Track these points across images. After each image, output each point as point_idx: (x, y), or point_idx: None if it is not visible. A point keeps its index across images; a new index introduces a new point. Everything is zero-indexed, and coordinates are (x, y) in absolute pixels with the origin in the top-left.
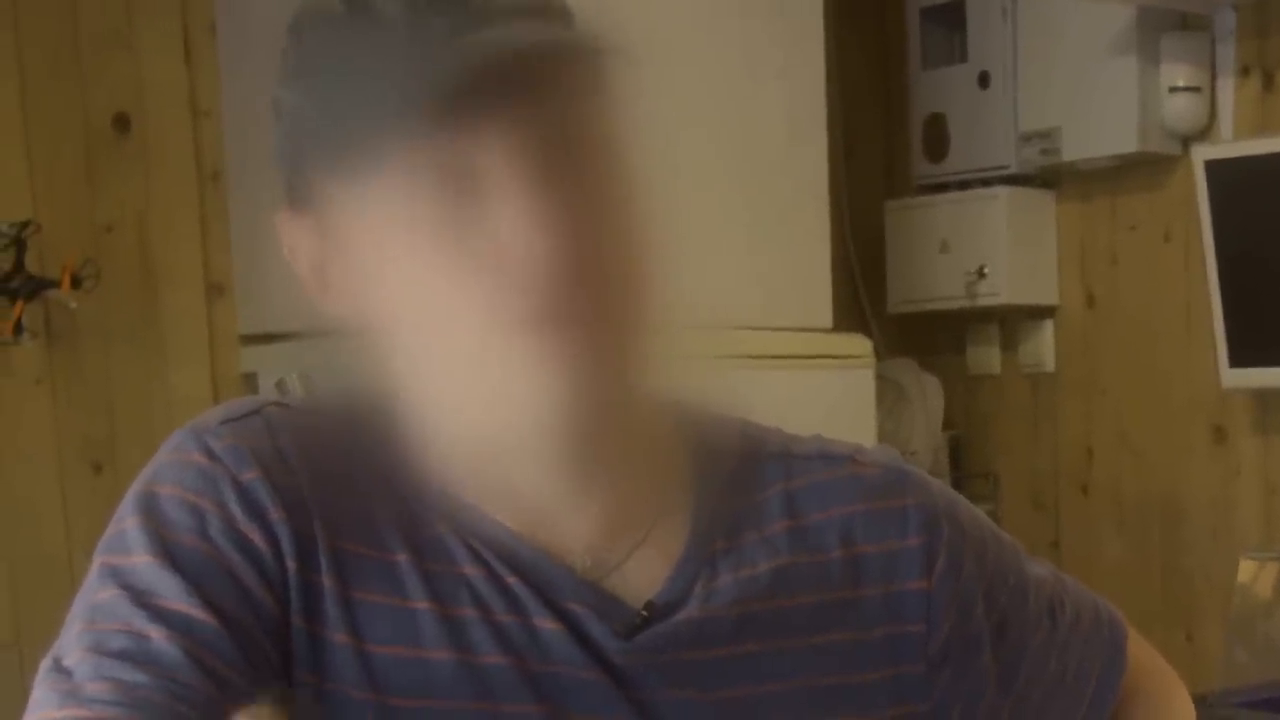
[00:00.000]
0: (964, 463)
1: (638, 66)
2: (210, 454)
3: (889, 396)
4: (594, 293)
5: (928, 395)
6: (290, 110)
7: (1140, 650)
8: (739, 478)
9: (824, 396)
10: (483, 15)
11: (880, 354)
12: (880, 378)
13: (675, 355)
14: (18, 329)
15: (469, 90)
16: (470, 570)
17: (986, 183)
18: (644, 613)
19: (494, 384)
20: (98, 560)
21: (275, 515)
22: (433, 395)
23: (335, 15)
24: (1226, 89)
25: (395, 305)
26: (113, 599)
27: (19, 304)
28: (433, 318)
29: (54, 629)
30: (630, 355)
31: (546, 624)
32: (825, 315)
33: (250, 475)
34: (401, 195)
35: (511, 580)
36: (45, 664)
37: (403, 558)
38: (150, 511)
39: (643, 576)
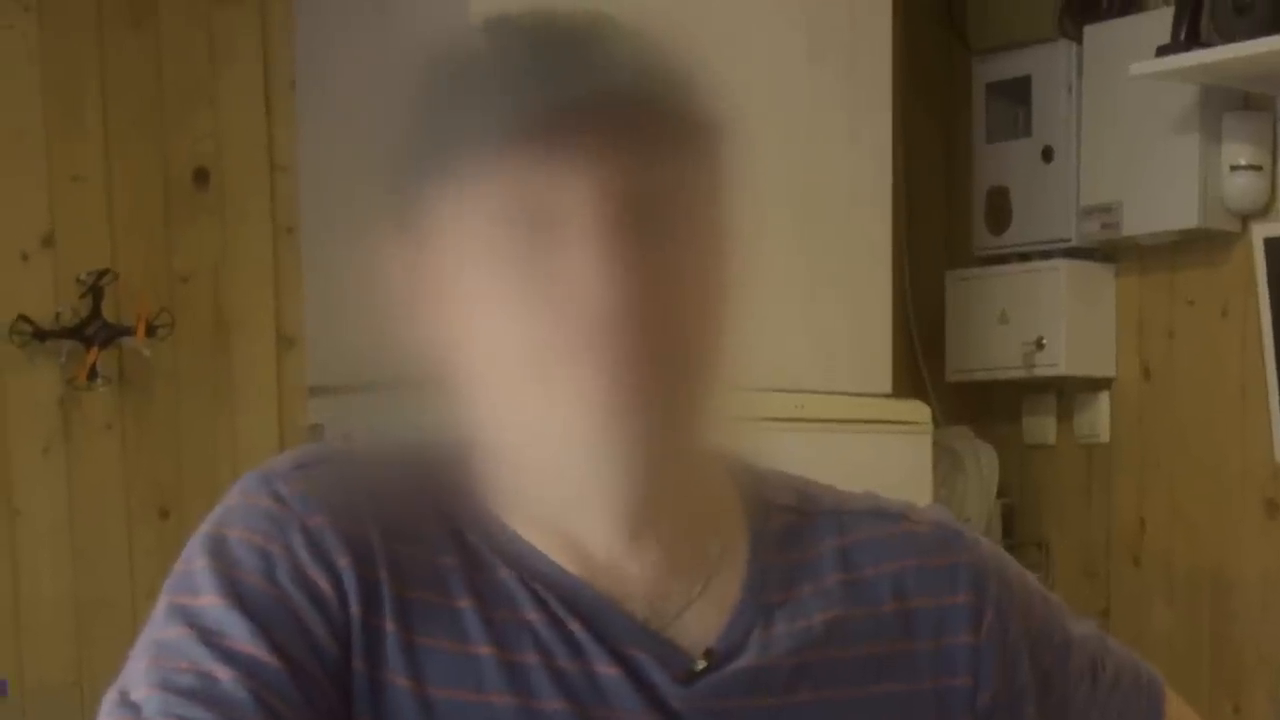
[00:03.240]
0: (1017, 531)
1: (741, 138)
2: (279, 499)
3: (944, 464)
4: (658, 344)
5: (983, 463)
6: (411, 130)
7: (1180, 714)
8: (793, 533)
9: (881, 461)
10: (603, 68)
11: (938, 421)
12: (936, 445)
13: (735, 413)
14: (92, 374)
15: (570, 133)
16: (533, 616)
17: (1047, 255)
18: (703, 660)
19: (556, 422)
20: (165, 598)
21: (341, 561)
22: (499, 433)
23: (471, 48)
24: None
25: (471, 335)
26: (180, 637)
27: (94, 350)
28: (505, 350)
29: (116, 671)
30: (692, 404)
31: (607, 669)
32: (885, 381)
33: (318, 521)
34: (491, 221)
35: (573, 626)
36: (111, 698)
37: (466, 604)
38: (219, 553)
39: (701, 625)
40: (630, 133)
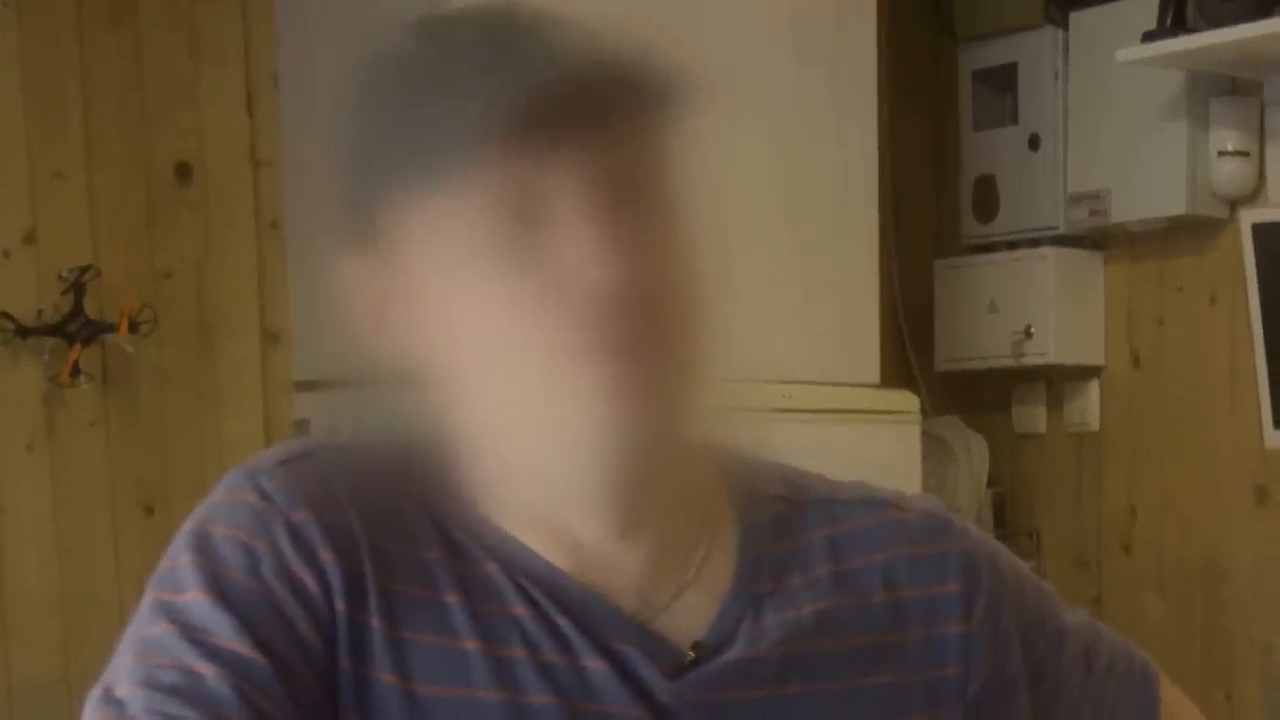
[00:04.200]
0: (1007, 520)
1: (710, 108)
2: (263, 494)
3: (935, 454)
4: (651, 325)
5: (973, 453)
6: (361, 145)
7: (1175, 700)
8: (783, 523)
9: (870, 452)
10: (558, 50)
11: (927, 411)
12: (926, 435)
13: (724, 402)
14: (75, 372)
15: (539, 120)
16: (520, 610)
17: (1035, 243)
18: (691, 653)
19: (548, 413)
20: (150, 595)
21: (326, 556)
22: (487, 428)
23: (411, 52)
24: (1275, 154)
25: (454, 335)
26: (164, 634)
27: (76, 347)
28: (491, 346)
29: (103, 668)
30: (683, 390)
31: (594, 663)
32: (873, 371)
33: (302, 516)
34: (469, 221)
35: (560, 620)
36: (95, 694)
37: (452, 598)
38: (203, 550)
39: (689, 618)
40: (598, 111)
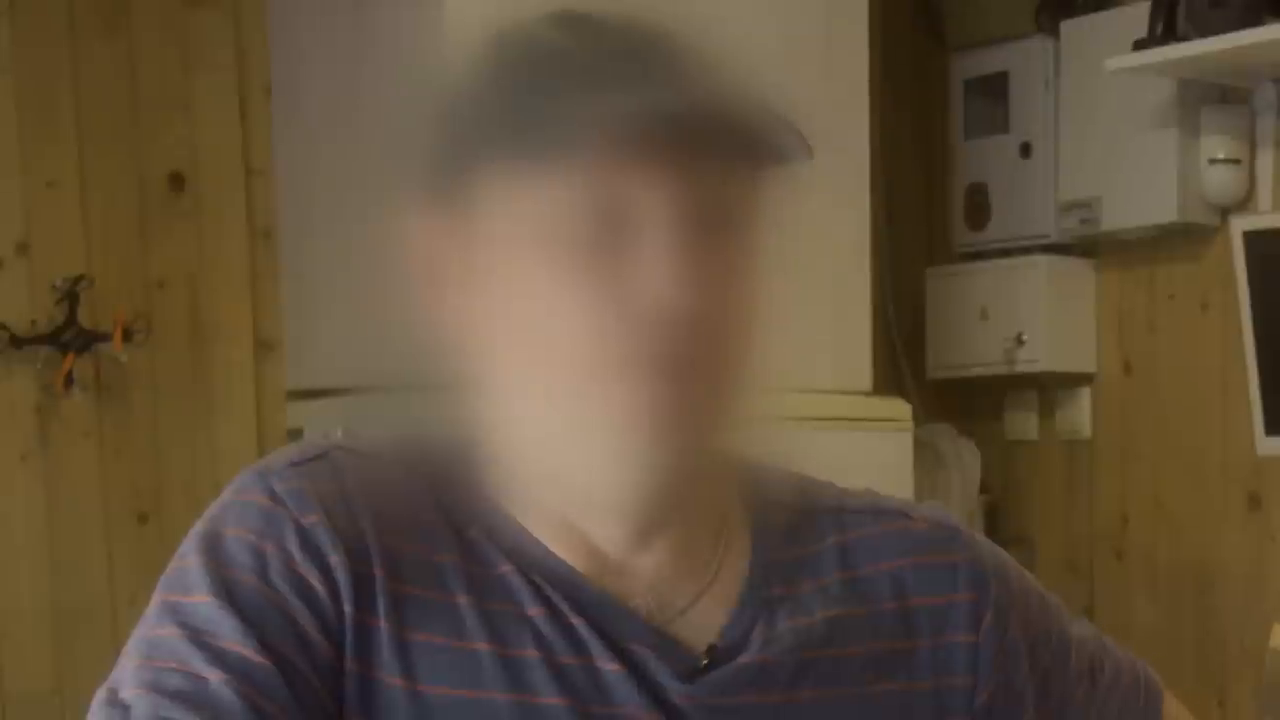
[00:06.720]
0: (1000, 528)
1: (811, 159)
2: (274, 496)
3: (927, 461)
4: (705, 357)
5: (965, 460)
6: (475, 107)
7: (1179, 714)
8: (795, 529)
9: (862, 459)
10: (691, 84)
11: (919, 419)
12: (918, 442)
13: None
14: (68, 381)
15: (653, 141)
16: (534, 611)
17: (1027, 251)
18: (705, 656)
19: (585, 423)
20: (158, 596)
21: (334, 559)
22: (519, 426)
23: (549, 38)
24: (1266, 161)
25: (509, 324)
26: (171, 637)
27: (70, 357)
28: (543, 343)
29: (96, 678)
30: (722, 419)
31: (609, 665)
32: (865, 379)
33: (311, 518)
34: (556, 215)
35: (576, 621)
36: (100, 695)
37: (463, 599)
38: (212, 551)
39: (703, 621)
40: (712, 146)
